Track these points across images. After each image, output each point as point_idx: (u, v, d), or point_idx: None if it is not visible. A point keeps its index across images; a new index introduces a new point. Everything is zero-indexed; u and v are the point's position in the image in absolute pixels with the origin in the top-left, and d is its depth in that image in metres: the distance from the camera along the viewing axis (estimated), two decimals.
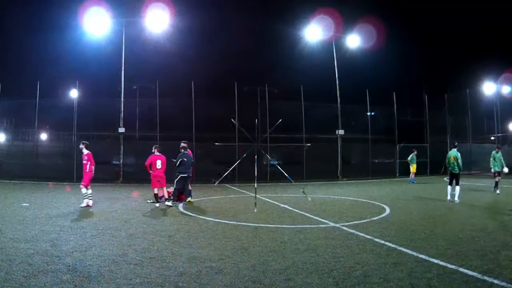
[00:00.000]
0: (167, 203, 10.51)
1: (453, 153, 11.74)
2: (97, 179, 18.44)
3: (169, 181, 11.19)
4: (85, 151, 10.30)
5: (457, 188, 11.50)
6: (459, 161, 11.57)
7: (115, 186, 16.90)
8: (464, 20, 30.79)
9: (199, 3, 29.92)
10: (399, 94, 24.99)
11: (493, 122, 25.20)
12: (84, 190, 10.10)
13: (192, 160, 11.25)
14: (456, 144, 12.47)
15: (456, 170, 11.58)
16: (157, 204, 10.48)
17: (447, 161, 11.94)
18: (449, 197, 11.59)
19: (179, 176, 10.76)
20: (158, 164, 10.70)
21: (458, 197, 11.45)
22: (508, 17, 27.56)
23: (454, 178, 11.61)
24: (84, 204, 10.03)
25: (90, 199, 10.21)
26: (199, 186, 14.78)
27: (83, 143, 10.46)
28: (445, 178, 22.05)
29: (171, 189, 11.30)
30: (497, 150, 14.09)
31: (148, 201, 11.21)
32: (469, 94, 25.52)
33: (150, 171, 10.72)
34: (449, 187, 11.72)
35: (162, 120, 21.28)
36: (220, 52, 30.95)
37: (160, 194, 10.89)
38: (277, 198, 12.89)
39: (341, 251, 5.73)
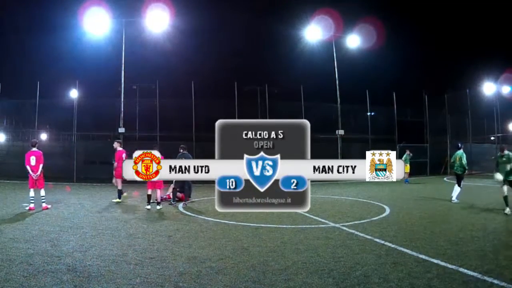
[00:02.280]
0: (157, 207, 10.12)
1: (458, 153, 11.81)
2: (97, 179, 18.66)
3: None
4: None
5: (456, 188, 11.57)
6: (462, 161, 11.57)
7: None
8: (464, 20, 30.84)
9: (199, 3, 29.96)
10: (399, 94, 24.99)
11: (493, 122, 25.17)
12: (32, 193, 9.48)
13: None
14: (460, 145, 12.33)
15: (459, 171, 11.66)
16: (149, 206, 10.12)
17: (452, 162, 12.04)
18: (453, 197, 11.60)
19: None
20: None
21: (456, 197, 11.51)
22: (508, 17, 27.59)
23: (457, 179, 11.73)
24: (27, 206, 9.36)
25: (32, 202, 9.47)
26: (199, 186, 14.75)
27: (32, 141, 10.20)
28: (445, 178, 22.08)
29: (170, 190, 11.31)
30: None
31: (148, 207, 10.46)
32: (469, 94, 25.49)
33: None
34: (455, 187, 11.72)
35: (162, 120, 21.27)
36: (220, 52, 31.00)
37: (159, 195, 10.73)
38: None
39: (341, 251, 5.74)
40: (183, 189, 11.16)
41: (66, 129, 21.71)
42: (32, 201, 9.48)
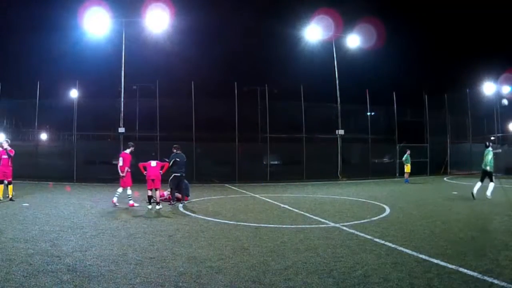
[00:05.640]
0: (157, 206, 10.20)
1: (485, 151, 12.07)
2: (97, 179, 18.67)
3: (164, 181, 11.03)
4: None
5: (491, 184, 11.76)
6: (485, 158, 11.87)
7: (115, 186, 16.87)
8: (464, 20, 30.80)
9: (199, 3, 29.92)
10: (399, 94, 24.99)
11: (493, 122, 25.15)
12: (119, 190, 10.57)
13: (185, 160, 11.33)
14: (487, 143, 12.50)
15: (486, 168, 11.89)
16: (150, 206, 10.26)
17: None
18: (474, 191, 11.74)
19: (172, 175, 10.94)
20: (153, 163, 10.58)
21: (490, 193, 11.66)
22: (508, 17, 27.55)
23: (486, 176, 11.94)
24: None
25: (116, 197, 10.52)
26: (199, 186, 14.77)
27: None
28: (445, 178, 22.08)
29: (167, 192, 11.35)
30: None
31: (149, 206, 10.55)
32: (469, 94, 25.48)
33: (144, 172, 10.56)
34: (478, 184, 11.92)
35: (162, 120, 21.28)
36: (220, 52, 30.95)
37: (159, 195, 10.72)
38: (277, 198, 12.89)
39: (341, 251, 5.73)
40: (180, 188, 11.18)
41: (66, 129, 21.72)
42: (117, 197, 10.52)
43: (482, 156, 12.22)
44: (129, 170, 10.57)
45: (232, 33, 31.53)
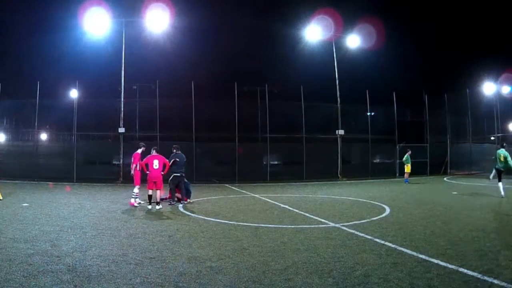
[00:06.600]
0: (157, 207, 10.21)
1: (502, 152, 12.29)
2: (97, 179, 18.68)
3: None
4: None
5: (500, 184, 12.18)
6: (508, 159, 12.13)
7: (115, 186, 16.91)
8: (464, 20, 30.82)
9: (199, 3, 29.96)
10: (399, 94, 24.97)
11: (493, 122, 25.15)
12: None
13: (185, 160, 11.36)
14: (504, 144, 12.98)
15: (502, 168, 12.23)
16: (150, 206, 10.29)
17: (497, 160, 12.50)
18: (502, 193, 12.09)
19: (172, 175, 11.00)
20: (155, 164, 10.60)
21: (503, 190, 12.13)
22: (508, 17, 27.56)
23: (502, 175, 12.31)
24: None
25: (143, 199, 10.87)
26: (199, 185, 14.77)
27: None
28: (445, 178, 22.07)
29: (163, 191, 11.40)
30: None
31: (149, 206, 10.48)
32: (469, 94, 25.47)
33: (147, 171, 10.63)
34: (500, 184, 12.26)
35: (162, 120, 21.27)
36: (220, 52, 30.99)
37: (159, 195, 10.70)
38: (277, 198, 12.89)
39: (341, 251, 5.73)
40: (180, 187, 11.20)
41: (66, 129, 21.71)
42: (139, 198, 10.88)
43: (501, 157, 12.32)
44: (138, 168, 10.77)
45: (232, 33, 31.57)
